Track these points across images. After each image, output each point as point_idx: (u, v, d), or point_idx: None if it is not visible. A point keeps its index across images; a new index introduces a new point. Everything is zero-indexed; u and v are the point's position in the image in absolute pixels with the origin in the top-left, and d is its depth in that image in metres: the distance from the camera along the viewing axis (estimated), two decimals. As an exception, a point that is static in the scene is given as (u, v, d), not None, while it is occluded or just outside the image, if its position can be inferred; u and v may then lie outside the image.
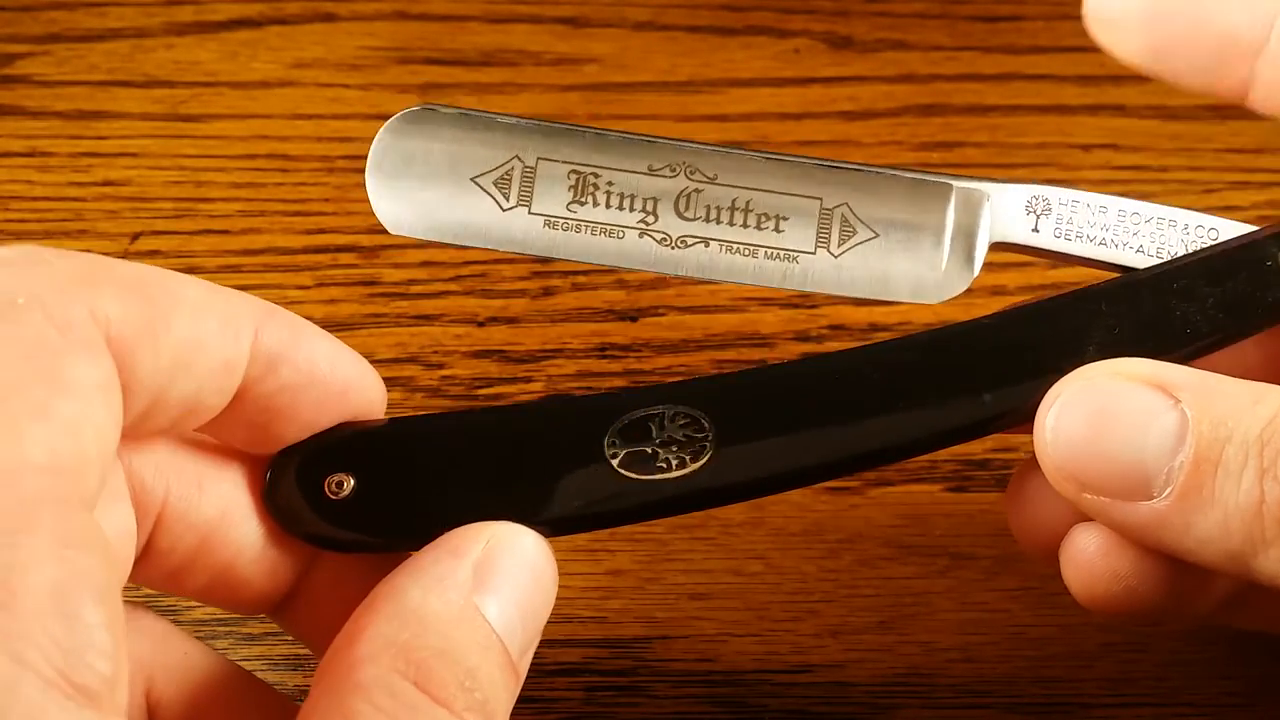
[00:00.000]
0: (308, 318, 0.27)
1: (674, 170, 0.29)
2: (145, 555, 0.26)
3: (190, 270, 0.28)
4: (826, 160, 0.30)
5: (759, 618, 0.36)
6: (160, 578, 0.27)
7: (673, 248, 0.29)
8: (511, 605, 0.25)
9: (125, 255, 0.44)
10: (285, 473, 0.27)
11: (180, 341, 0.24)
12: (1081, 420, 0.26)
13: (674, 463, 0.27)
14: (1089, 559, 0.28)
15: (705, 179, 0.29)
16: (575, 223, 0.29)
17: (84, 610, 0.20)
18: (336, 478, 0.27)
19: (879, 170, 0.29)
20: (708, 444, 0.28)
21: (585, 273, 0.44)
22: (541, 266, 0.44)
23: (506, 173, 0.29)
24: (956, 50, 0.50)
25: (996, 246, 0.30)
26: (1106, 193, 0.45)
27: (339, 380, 0.27)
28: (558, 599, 0.34)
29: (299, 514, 0.27)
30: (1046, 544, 0.30)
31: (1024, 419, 0.28)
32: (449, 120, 0.29)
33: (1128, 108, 0.48)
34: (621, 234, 0.29)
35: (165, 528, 0.26)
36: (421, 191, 0.29)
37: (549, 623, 0.36)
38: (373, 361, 0.28)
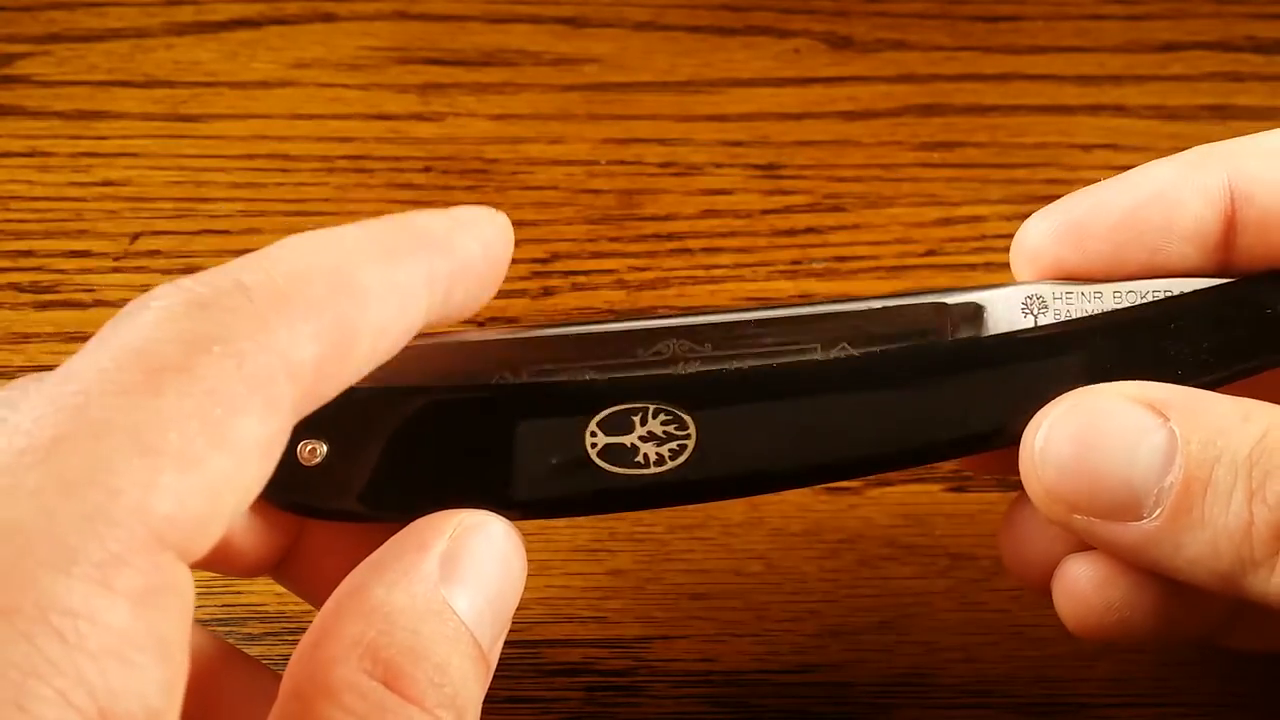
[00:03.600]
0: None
1: (664, 352, 0.29)
2: None
3: (190, 271, 0.28)
4: (813, 304, 0.29)
5: (759, 618, 0.36)
6: None
7: None
8: (480, 596, 0.25)
9: (125, 255, 0.44)
10: None
11: (366, 349, 0.24)
12: (1069, 440, 0.26)
13: (653, 458, 0.27)
14: (1081, 590, 0.28)
15: (696, 354, 0.29)
16: None
17: (145, 661, 0.20)
18: (310, 444, 0.27)
19: (870, 303, 0.29)
20: (689, 441, 0.27)
21: (585, 273, 0.44)
22: (541, 267, 0.44)
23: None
24: (956, 50, 0.50)
25: None
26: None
27: (496, 259, 0.27)
28: (558, 599, 0.34)
29: (274, 479, 0.27)
30: (1039, 577, 0.30)
31: (1007, 442, 0.28)
32: (423, 353, 0.28)
33: (1128, 108, 0.48)
34: None
35: None
36: None
37: (549, 623, 0.36)
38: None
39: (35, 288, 0.43)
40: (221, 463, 0.21)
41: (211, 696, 0.27)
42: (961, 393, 0.28)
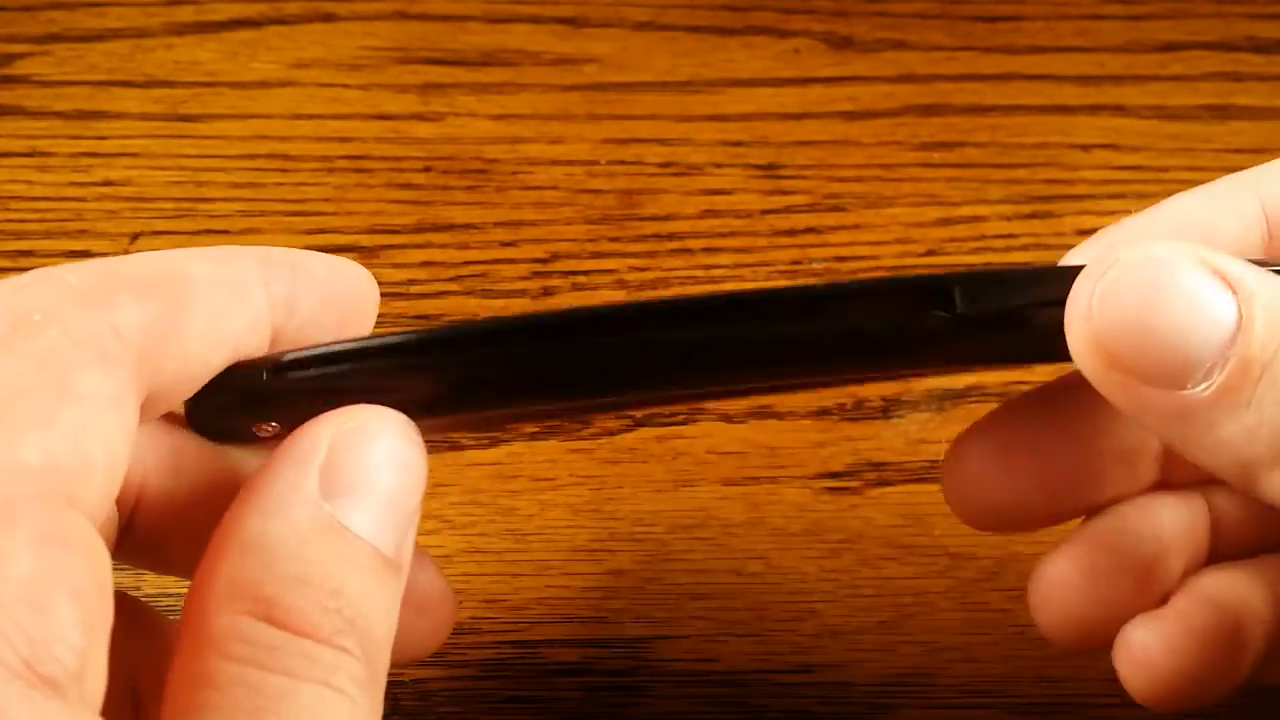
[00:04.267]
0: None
1: None
2: (125, 538, 0.26)
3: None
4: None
5: (759, 618, 0.36)
6: (142, 558, 0.27)
7: None
8: (373, 502, 0.23)
9: (125, 255, 0.44)
10: (202, 420, 0.26)
11: (203, 323, 0.24)
12: (1132, 292, 0.24)
13: None
14: (1152, 658, 0.28)
15: None
16: None
17: (57, 605, 0.20)
18: (265, 428, 0.26)
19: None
20: None
21: (585, 273, 0.44)
22: (541, 267, 0.44)
23: None
24: (956, 50, 0.50)
25: None
26: (1106, 193, 0.46)
27: (345, 291, 0.26)
28: (558, 599, 0.34)
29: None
30: (1080, 634, 0.29)
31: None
32: None
33: (1127, 108, 0.48)
34: None
35: (145, 509, 0.26)
36: None
37: (549, 623, 0.36)
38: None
39: (35, 288, 0.43)
40: (74, 414, 0.21)
41: (134, 664, 0.26)
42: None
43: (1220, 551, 0.30)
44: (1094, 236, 0.29)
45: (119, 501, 0.26)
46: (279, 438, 0.25)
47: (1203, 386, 0.24)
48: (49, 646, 0.19)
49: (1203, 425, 0.24)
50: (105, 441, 0.22)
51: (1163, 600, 0.29)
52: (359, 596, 0.22)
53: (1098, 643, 0.30)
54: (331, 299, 0.26)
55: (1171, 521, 0.30)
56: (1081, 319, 0.25)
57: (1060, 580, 0.29)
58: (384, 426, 0.24)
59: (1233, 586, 0.30)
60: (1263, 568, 0.30)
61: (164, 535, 0.26)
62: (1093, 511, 0.30)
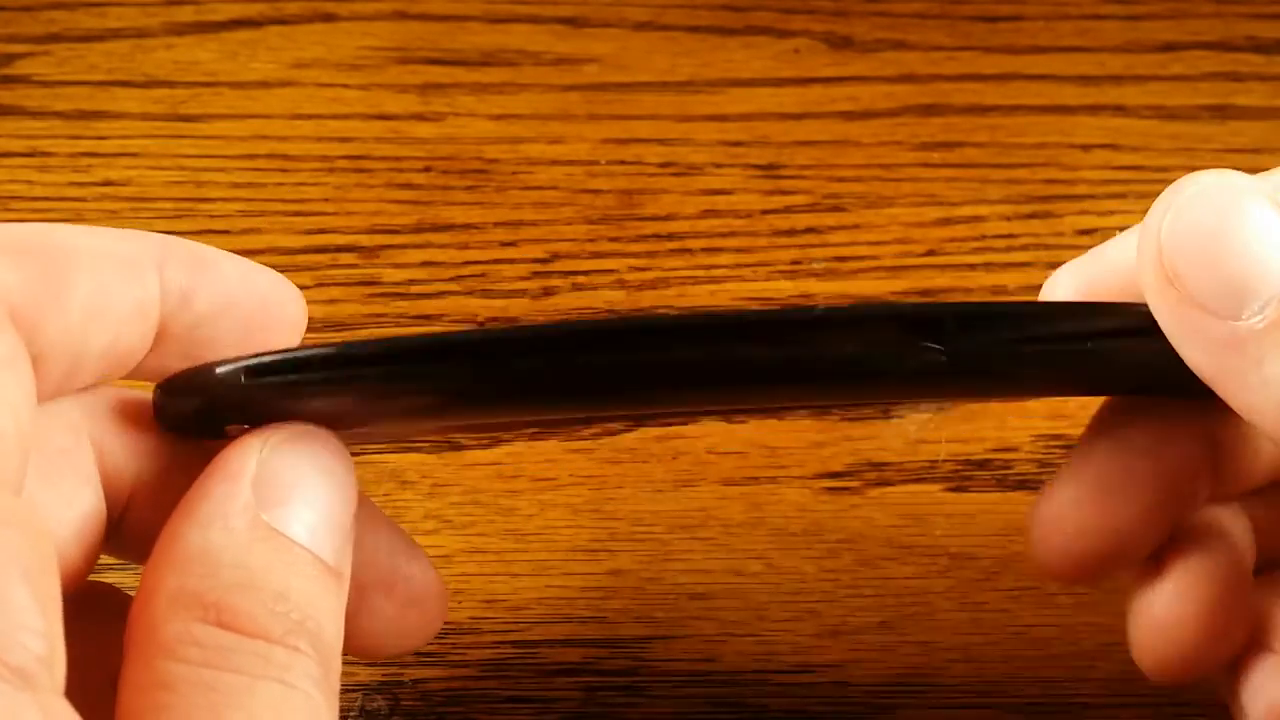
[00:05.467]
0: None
1: None
2: (118, 535, 0.26)
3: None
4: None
5: (759, 618, 0.36)
6: (133, 552, 0.27)
7: None
8: (309, 510, 0.23)
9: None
10: (172, 418, 0.26)
11: (86, 295, 0.23)
12: (1208, 215, 0.24)
13: None
14: (1167, 627, 0.28)
15: None
16: None
17: (11, 589, 0.19)
18: (235, 429, 0.26)
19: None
20: None
21: (585, 273, 0.44)
22: (541, 267, 0.44)
23: None
24: (956, 50, 0.50)
25: None
26: (1106, 193, 0.45)
27: (256, 298, 0.26)
28: (558, 599, 0.34)
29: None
30: (1072, 567, 0.29)
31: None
32: None
33: (1127, 108, 0.48)
34: None
35: (136, 508, 0.26)
36: None
37: (549, 623, 0.36)
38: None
39: (35, 288, 0.43)
40: None
41: (117, 654, 0.26)
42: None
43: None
44: (1071, 264, 0.29)
45: (111, 496, 0.26)
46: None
47: (1257, 318, 0.24)
48: (12, 635, 0.19)
49: (1251, 360, 0.24)
50: (11, 411, 0.21)
51: (1166, 532, 0.29)
52: (305, 599, 0.22)
53: (1093, 572, 0.29)
54: (237, 302, 0.26)
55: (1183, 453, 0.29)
56: (1153, 236, 0.25)
57: (1066, 500, 0.29)
58: (311, 440, 0.24)
59: (1236, 532, 0.29)
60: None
61: (156, 528, 0.26)
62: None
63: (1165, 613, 0.29)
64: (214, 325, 0.26)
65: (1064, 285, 0.29)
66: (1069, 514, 0.29)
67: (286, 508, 0.23)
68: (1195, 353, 0.25)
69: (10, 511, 0.20)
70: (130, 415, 0.26)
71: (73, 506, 0.24)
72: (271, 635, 0.22)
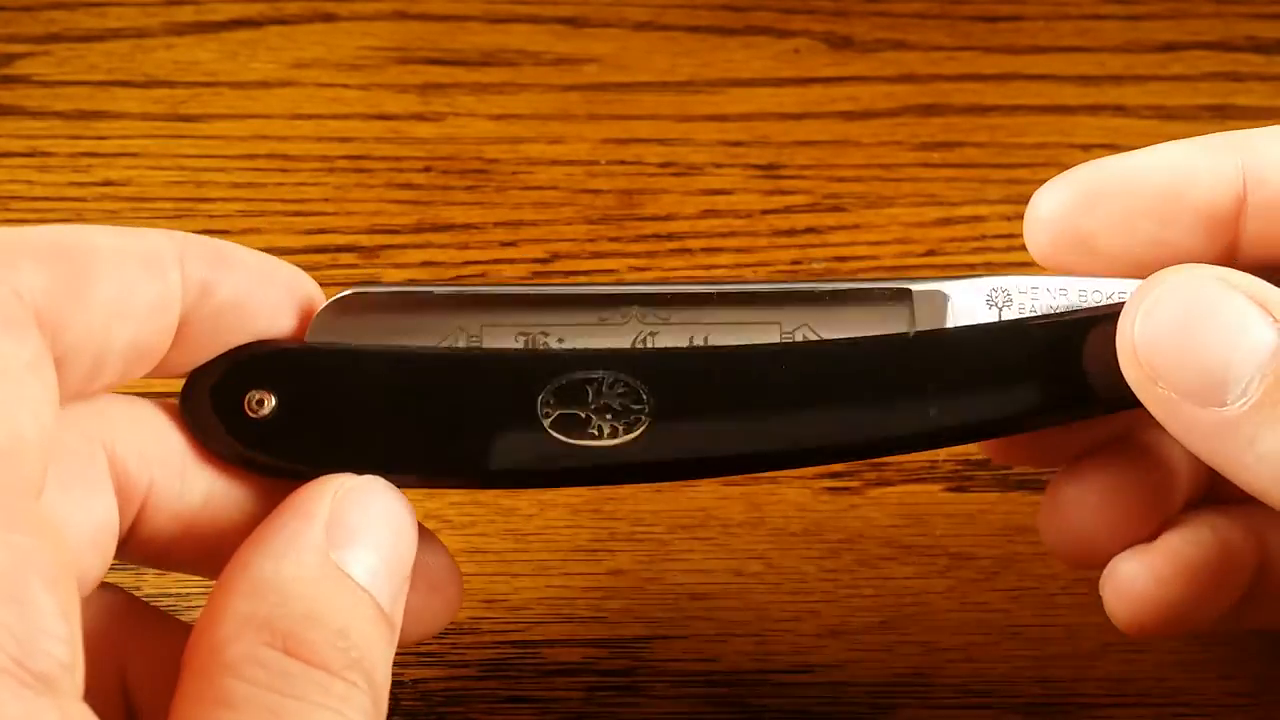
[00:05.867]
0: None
1: (624, 317, 0.28)
2: (130, 540, 0.26)
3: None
4: (780, 283, 0.29)
5: (759, 618, 0.36)
6: (146, 558, 0.27)
7: None
8: (373, 557, 0.25)
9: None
10: (201, 387, 0.27)
11: (109, 292, 0.24)
12: (1177, 312, 0.26)
13: (606, 430, 0.27)
14: (1138, 589, 0.29)
15: (659, 321, 0.28)
16: None
17: (35, 596, 0.20)
18: (257, 395, 0.26)
19: (835, 284, 0.29)
20: (644, 416, 0.27)
21: (585, 273, 0.44)
22: (541, 267, 0.44)
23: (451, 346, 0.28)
24: (956, 50, 0.50)
25: None
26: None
27: (276, 288, 0.26)
28: (558, 599, 0.34)
29: (217, 430, 0.26)
30: (1082, 553, 0.30)
31: (968, 436, 0.28)
32: (383, 302, 0.28)
33: (1128, 108, 0.48)
34: None
35: (149, 515, 0.26)
36: None
37: (549, 623, 0.36)
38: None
39: (35, 288, 0.43)
40: None
41: (125, 656, 0.26)
42: (915, 387, 0.28)
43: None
44: (1069, 171, 0.30)
45: (125, 501, 0.26)
46: (269, 416, 0.26)
47: (1241, 401, 0.25)
48: (36, 641, 0.19)
49: (1243, 440, 0.25)
50: (35, 415, 0.22)
51: (1158, 532, 0.30)
52: (363, 639, 0.24)
53: (1096, 561, 0.30)
54: (258, 288, 0.26)
55: (1181, 453, 0.30)
56: (1128, 337, 0.26)
57: (1075, 496, 0.30)
58: (385, 491, 0.26)
59: (1221, 527, 0.30)
60: (1251, 515, 0.30)
61: (168, 536, 0.26)
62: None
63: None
64: (235, 311, 0.26)
65: (1050, 194, 0.30)
66: (1076, 505, 0.30)
67: (353, 549, 0.25)
68: (1191, 441, 0.26)
69: (32, 518, 0.21)
70: (144, 423, 0.26)
71: (88, 512, 0.25)
72: (332, 667, 0.23)
